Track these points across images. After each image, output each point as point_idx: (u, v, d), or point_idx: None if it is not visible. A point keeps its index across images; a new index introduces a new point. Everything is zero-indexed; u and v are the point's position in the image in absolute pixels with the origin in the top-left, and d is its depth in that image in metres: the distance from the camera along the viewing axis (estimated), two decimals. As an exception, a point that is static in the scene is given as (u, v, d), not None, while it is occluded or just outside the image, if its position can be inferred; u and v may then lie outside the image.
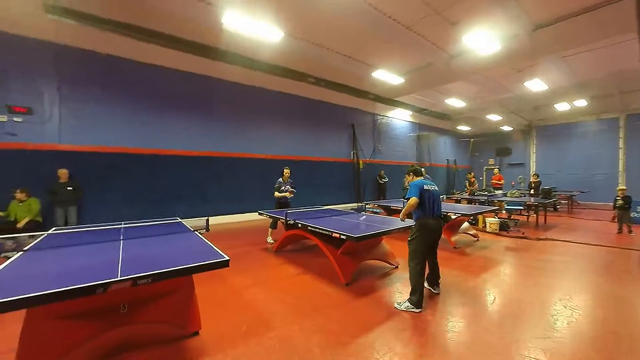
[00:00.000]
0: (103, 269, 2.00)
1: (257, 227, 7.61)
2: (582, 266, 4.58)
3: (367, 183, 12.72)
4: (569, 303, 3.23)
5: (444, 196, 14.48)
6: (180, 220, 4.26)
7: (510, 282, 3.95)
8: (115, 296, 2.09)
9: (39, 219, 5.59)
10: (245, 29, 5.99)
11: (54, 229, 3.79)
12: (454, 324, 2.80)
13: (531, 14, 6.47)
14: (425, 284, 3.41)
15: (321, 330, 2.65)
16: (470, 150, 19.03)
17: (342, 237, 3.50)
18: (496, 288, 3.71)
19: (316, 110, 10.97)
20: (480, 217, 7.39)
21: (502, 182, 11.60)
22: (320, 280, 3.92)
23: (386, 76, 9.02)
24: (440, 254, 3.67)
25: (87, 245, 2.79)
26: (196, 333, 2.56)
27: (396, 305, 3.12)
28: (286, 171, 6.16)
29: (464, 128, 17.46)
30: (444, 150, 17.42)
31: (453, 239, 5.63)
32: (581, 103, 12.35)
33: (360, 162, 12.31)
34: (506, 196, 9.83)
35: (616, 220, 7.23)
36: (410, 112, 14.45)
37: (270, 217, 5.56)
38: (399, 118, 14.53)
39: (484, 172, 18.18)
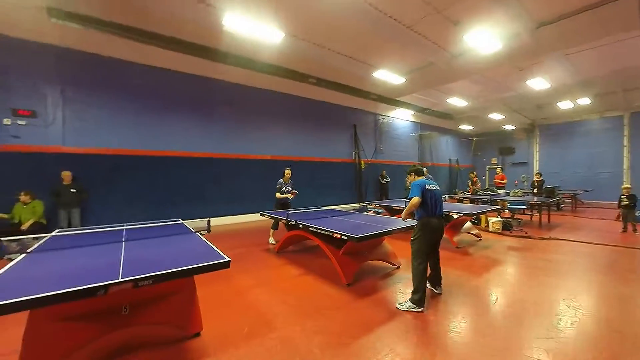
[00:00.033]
0: (104, 270, 2.00)
1: (258, 228, 7.62)
2: (586, 265, 4.54)
3: (369, 183, 12.69)
4: (572, 303, 3.20)
5: (446, 196, 14.41)
6: (181, 221, 4.28)
7: (513, 282, 3.93)
8: (117, 298, 2.10)
9: (43, 221, 5.64)
10: (246, 30, 6.00)
11: (57, 230, 3.82)
12: (456, 324, 2.79)
13: (533, 12, 6.42)
14: (428, 284, 3.40)
15: (323, 331, 2.65)
16: (473, 149, 18.95)
17: (343, 237, 3.49)
18: (499, 288, 3.69)
19: (317, 110, 10.97)
20: (482, 216, 7.36)
21: (505, 181, 11.55)
22: (322, 281, 3.92)
23: (387, 76, 9.00)
24: (443, 254, 3.66)
25: (90, 247, 2.81)
26: (198, 334, 2.57)
27: (398, 305, 3.12)
28: (287, 172, 6.15)
29: (466, 127, 17.36)
30: (446, 150, 17.35)
31: (455, 238, 5.60)
32: (584, 101, 12.22)
33: (362, 162, 12.28)
34: (509, 195, 9.77)
35: (621, 219, 7.17)
36: (412, 112, 14.39)
37: (272, 218, 5.57)
38: (401, 118, 14.49)
39: (487, 172, 18.10)
